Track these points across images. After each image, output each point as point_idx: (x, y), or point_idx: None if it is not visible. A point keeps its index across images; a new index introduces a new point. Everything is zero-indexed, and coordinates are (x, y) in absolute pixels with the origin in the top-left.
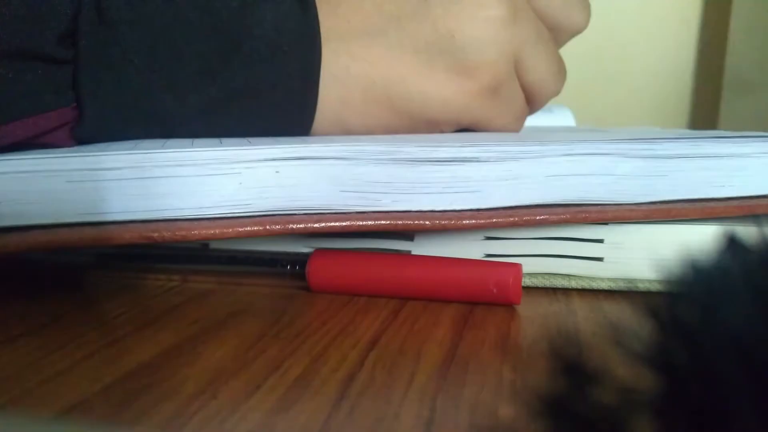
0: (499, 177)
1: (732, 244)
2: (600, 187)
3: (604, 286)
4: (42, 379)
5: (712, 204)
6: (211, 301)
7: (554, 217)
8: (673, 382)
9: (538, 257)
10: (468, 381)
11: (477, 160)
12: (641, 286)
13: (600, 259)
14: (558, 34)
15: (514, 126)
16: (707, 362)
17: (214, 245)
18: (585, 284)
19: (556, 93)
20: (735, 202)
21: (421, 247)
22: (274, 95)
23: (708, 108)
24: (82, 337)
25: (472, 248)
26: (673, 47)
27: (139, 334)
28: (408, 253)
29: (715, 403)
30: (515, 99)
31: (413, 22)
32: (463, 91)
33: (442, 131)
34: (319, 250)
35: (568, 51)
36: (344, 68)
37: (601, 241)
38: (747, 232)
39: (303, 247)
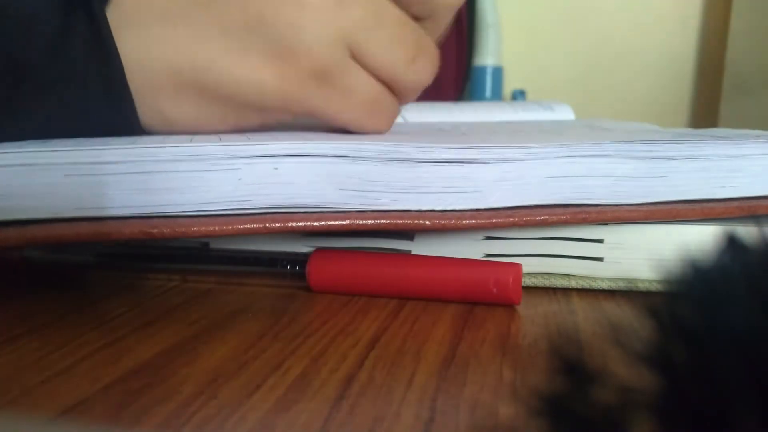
0: (500, 178)
1: (732, 244)
2: (600, 188)
3: (604, 286)
4: (42, 379)
5: (712, 205)
6: (211, 301)
7: (554, 218)
8: (673, 382)
9: (538, 257)
10: (468, 381)
11: (477, 161)
12: (641, 286)
13: (600, 259)
14: (432, 9)
15: (368, 121)
16: (707, 362)
17: (214, 245)
18: (585, 284)
19: (419, 83)
20: (735, 203)
21: (421, 247)
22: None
23: (708, 107)
24: (82, 337)
25: (472, 248)
26: (673, 46)
27: (139, 334)
28: (408, 253)
29: (715, 403)
30: (359, 89)
31: (220, 1)
32: (282, 77)
33: (278, 120)
34: (319, 250)
35: (569, 50)
36: (147, 55)
37: (601, 241)
38: (747, 232)
39: (303, 247)
